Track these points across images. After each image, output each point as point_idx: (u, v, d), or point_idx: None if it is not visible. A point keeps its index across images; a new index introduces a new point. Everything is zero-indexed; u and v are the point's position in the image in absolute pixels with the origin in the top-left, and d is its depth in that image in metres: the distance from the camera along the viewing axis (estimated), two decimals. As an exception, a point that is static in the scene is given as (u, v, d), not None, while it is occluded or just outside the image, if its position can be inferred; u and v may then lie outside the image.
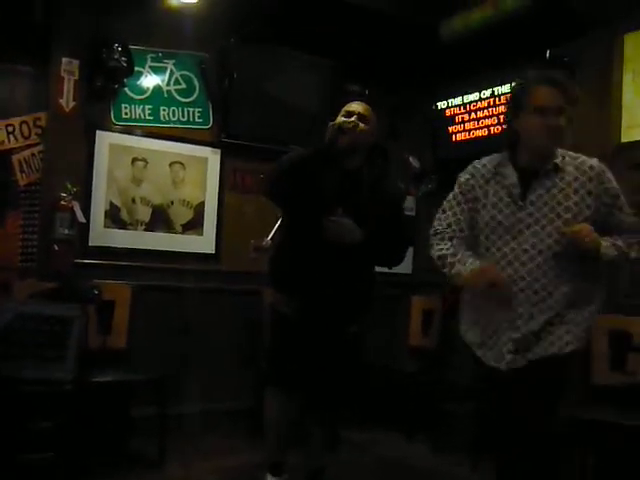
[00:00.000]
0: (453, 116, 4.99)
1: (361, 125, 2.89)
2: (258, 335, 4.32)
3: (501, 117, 4.62)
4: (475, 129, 4.82)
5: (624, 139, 4.05)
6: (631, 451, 3.38)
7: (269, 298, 3.27)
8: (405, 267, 5.41)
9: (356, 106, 2.99)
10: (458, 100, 4.96)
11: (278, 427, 3.02)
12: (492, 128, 4.70)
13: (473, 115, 4.85)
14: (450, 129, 5.01)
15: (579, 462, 3.57)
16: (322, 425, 3.11)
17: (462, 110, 4.93)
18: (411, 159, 5.23)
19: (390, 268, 3.14)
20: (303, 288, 2.89)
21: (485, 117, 4.75)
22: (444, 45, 4.64)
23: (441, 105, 5.08)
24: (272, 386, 3.03)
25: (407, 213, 5.42)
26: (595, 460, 3.60)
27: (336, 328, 2.96)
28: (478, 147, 4.79)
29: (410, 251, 5.42)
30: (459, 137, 4.95)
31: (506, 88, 4.59)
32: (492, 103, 4.71)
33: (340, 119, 2.91)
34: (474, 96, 4.84)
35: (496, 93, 4.68)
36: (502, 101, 4.62)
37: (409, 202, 5.34)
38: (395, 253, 3.08)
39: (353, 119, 2.88)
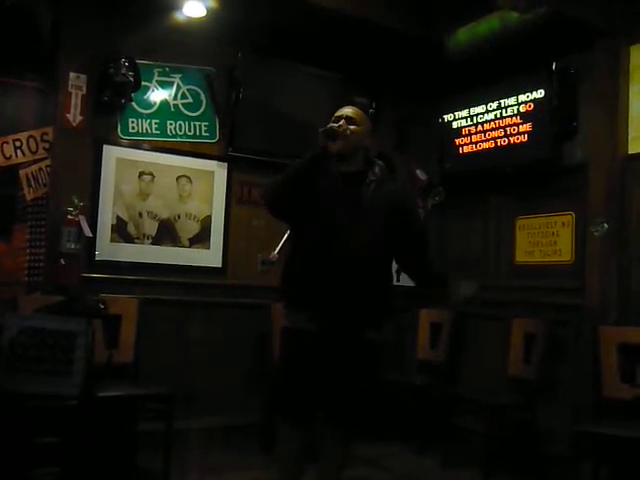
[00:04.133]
0: (460, 128, 4.99)
1: (350, 127, 2.81)
2: (266, 349, 4.29)
3: (508, 129, 4.62)
4: (482, 141, 4.82)
5: (631, 150, 4.03)
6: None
7: (281, 321, 3.02)
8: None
9: (344, 110, 2.91)
10: (465, 112, 4.96)
11: (292, 461, 2.87)
12: (499, 140, 4.68)
13: (480, 127, 4.84)
14: (457, 141, 5.00)
15: (591, 476, 3.53)
16: (340, 444, 2.93)
17: (469, 122, 4.93)
18: (418, 172, 5.22)
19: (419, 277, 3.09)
20: (323, 298, 2.75)
21: (492, 129, 4.74)
22: (451, 58, 4.65)
23: (448, 118, 5.08)
24: (286, 420, 2.85)
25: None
26: (606, 473, 3.55)
27: (357, 335, 2.82)
28: (485, 159, 4.80)
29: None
30: (466, 149, 4.95)
31: (513, 100, 4.59)
32: (499, 115, 4.70)
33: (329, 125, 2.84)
34: (481, 108, 4.84)
35: (503, 105, 4.67)
36: (509, 113, 4.62)
37: (416, 215, 5.32)
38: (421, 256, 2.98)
39: (341, 123, 2.80)
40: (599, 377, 3.73)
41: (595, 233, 4.07)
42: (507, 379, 4.36)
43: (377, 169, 2.90)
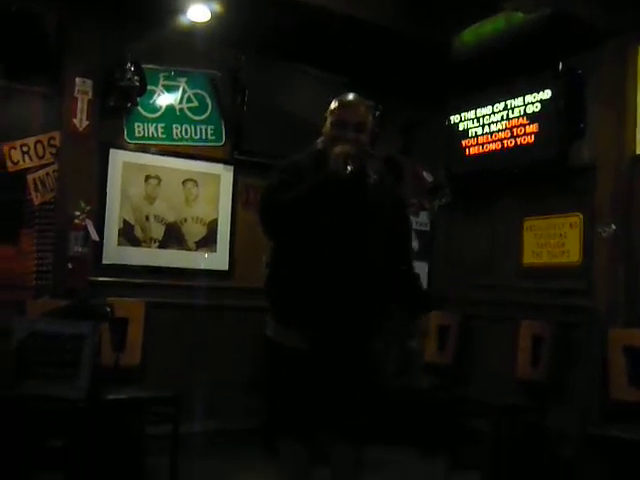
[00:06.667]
0: (466, 130, 4.97)
1: (363, 139, 2.54)
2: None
3: (515, 130, 4.59)
4: (488, 143, 4.80)
5: (639, 151, 4.00)
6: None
7: (268, 332, 2.71)
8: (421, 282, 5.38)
9: (350, 115, 2.58)
10: (471, 114, 4.94)
11: (297, 474, 2.72)
12: (505, 141, 4.66)
13: (486, 129, 4.82)
14: (463, 143, 4.99)
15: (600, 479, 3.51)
16: (349, 456, 2.78)
17: (475, 124, 4.91)
18: (424, 173, 5.19)
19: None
20: (320, 309, 2.50)
21: (498, 130, 4.72)
22: (456, 59, 4.64)
23: (454, 119, 5.07)
24: (286, 438, 2.69)
25: (422, 228, 5.42)
26: (615, 477, 3.53)
27: (358, 348, 2.64)
28: (492, 161, 4.78)
29: (425, 267, 5.45)
30: (472, 151, 4.93)
31: (519, 101, 4.56)
32: (505, 116, 4.68)
33: (339, 149, 2.45)
34: (487, 109, 4.82)
35: (509, 106, 4.65)
36: (515, 114, 4.60)
37: (423, 217, 5.32)
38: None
39: (352, 137, 2.50)
40: (607, 380, 3.71)
41: (602, 234, 4.05)
42: (515, 381, 4.34)
43: (376, 163, 2.63)
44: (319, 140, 2.72)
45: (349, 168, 2.41)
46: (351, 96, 2.68)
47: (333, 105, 2.65)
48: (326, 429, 2.76)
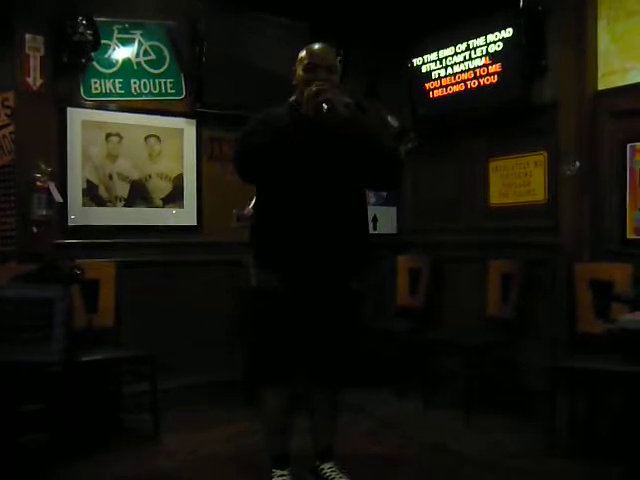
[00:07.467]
0: (429, 72, 4.93)
1: (334, 79, 2.66)
2: (245, 304, 4.32)
3: (477, 71, 4.57)
4: (452, 84, 4.77)
5: (601, 87, 4.02)
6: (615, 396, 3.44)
7: (253, 280, 2.85)
8: (389, 227, 5.43)
9: (319, 59, 2.70)
10: (434, 56, 4.90)
11: (279, 418, 2.85)
12: (469, 82, 4.64)
13: (449, 70, 4.79)
14: (427, 86, 4.95)
15: (568, 408, 3.64)
16: (330, 399, 2.93)
17: (438, 66, 4.87)
18: (390, 118, 5.17)
19: (389, 189, 3.00)
20: (295, 249, 2.64)
21: (461, 72, 4.69)
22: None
23: (417, 62, 5.02)
24: (267, 383, 2.82)
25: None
26: (582, 406, 3.66)
27: (336, 287, 2.75)
28: (456, 103, 4.76)
29: (394, 211, 5.47)
30: (436, 93, 4.90)
31: (481, 40, 4.53)
32: (468, 57, 4.64)
33: (313, 87, 2.57)
34: (449, 51, 4.77)
35: (471, 46, 4.61)
36: (478, 54, 4.56)
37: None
38: (383, 169, 2.76)
39: (323, 86, 2.56)
40: (574, 313, 3.81)
41: (567, 172, 4.09)
42: (486, 319, 4.44)
43: (347, 99, 2.67)
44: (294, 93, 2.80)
45: (325, 106, 2.52)
46: (318, 44, 2.80)
47: (301, 54, 2.80)
48: (305, 372, 2.86)
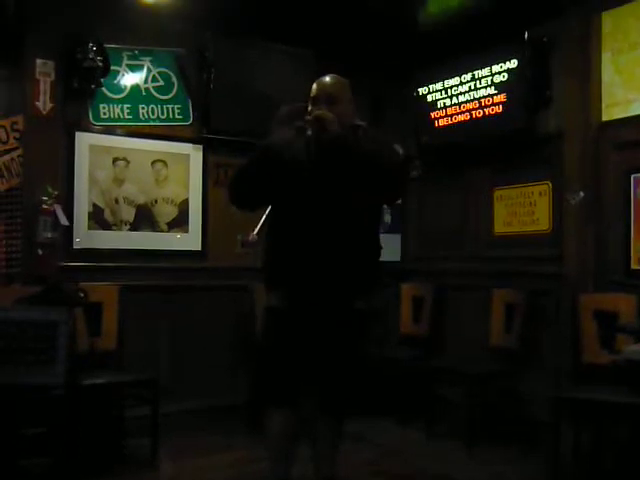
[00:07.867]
0: (435, 102, 4.98)
1: (329, 117, 2.61)
2: (249, 330, 4.31)
3: (483, 100, 4.61)
4: (457, 114, 4.81)
5: (605, 118, 4.05)
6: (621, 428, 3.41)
7: (263, 300, 2.95)
8: (393, 254, 5.42)
9: (320, 90, 2.73)
10: (439, 85, 4.94)
11: (283, 444, 2.81)
12: (474, 112, 4.68)
13: (455, 100, 4.83)
14: (432, 115, 4.99)
15: (572, 440, 3.60)
16: (334, 426, 2.90)
17: (443, 95, 4.92)
18: (395, 146, 5.20)
19: (393, 197, 3.04)
20: (302, 270, 2.67)
21: (466, 101, 4.73)
22: (423, 30, 4.63)
23: (422, 91, 5.06)
24: (273, 402, 2.80)
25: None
26: (587, 437, 3.62)
27: (342, 305, 2.75)
28: (461, 132, 4.80)
29: (398, 239, 5.48)
30: (441, 122, 4.94)
31: (486, 71, 4.57)
32: (473, 87, 4.69)
33: (313, 115, 2.65)
34: (455, 80, 4.82)
35: (476, 76, 4.66)
36: (483, 84, 4.61)
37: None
38: (388, 181, 2.75)
39: (322, 113, 2.61)
40: (579, 344, 3.79)
41: (571, 201, 4.10)
42: (489, 349, 4.42)
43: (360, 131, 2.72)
44: None
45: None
46: (327, 76, 2.82)
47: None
48: (310, 395, 2.86)
